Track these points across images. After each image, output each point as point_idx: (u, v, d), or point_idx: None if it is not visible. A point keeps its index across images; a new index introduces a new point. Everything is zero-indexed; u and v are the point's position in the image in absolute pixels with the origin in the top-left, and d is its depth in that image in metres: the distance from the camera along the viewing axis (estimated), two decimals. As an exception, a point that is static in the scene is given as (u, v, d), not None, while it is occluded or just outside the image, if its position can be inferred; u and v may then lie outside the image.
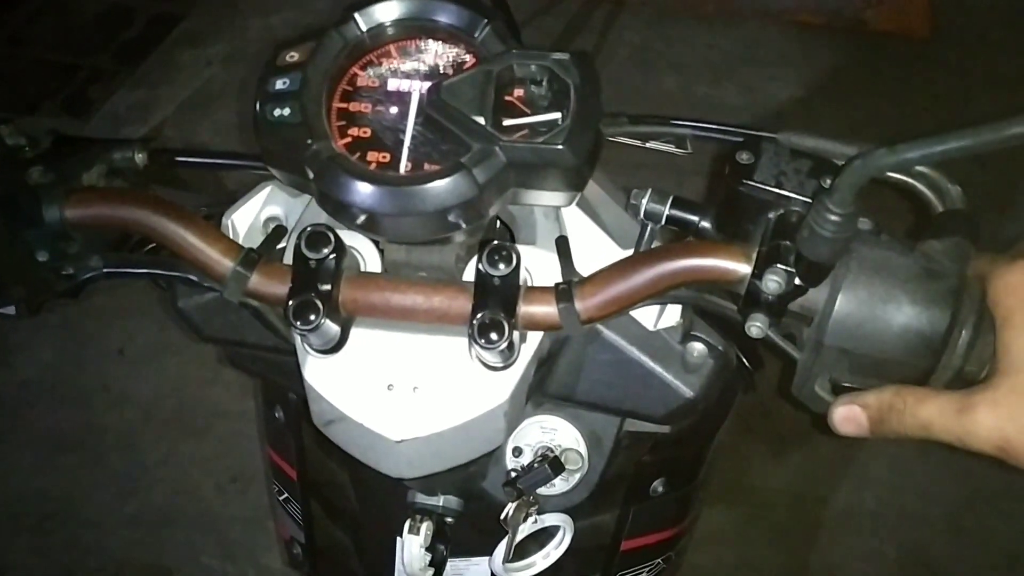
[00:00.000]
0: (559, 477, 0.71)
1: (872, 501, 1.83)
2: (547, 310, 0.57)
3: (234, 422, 1.93)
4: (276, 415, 0.87)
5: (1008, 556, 1.76)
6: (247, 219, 0.68)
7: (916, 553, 1.77)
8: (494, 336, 0.54)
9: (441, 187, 0.53)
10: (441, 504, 0.72)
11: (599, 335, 0.65)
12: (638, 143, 0.69)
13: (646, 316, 0.65)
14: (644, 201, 0.61)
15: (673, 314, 0.65)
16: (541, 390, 0.68)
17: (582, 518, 0.78)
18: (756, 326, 0.54)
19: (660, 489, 0.82)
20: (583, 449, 0.72)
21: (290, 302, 0.55)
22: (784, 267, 0.53)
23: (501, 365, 0.58)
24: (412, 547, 0.70)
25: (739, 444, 1.83)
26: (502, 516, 0.71)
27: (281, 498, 0.94)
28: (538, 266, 0.61)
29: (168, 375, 2.02)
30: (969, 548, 1.77)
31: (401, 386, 0.59)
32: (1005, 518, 1.79)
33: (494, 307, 0.55)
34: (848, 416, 0.54)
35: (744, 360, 0.72)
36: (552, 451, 0.71)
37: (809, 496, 1.85)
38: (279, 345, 0.69)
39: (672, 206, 0.61)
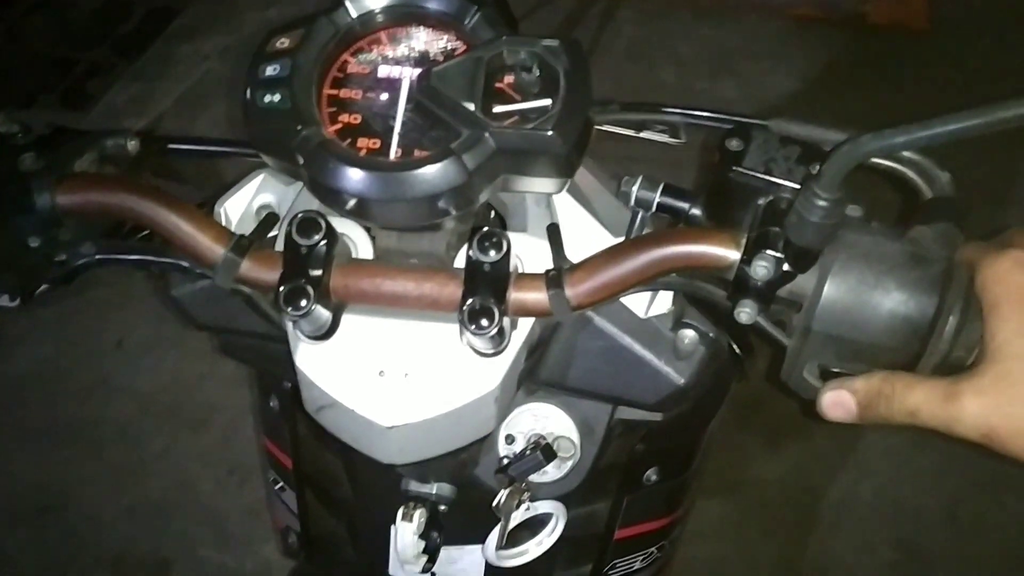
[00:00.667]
0: (551, 464, 0.71)
1: (868, 493, 1.84)
2: (537, 296, 0.57)
3: (232, 415, 1.94)
4: (271, 404, 0.87)
5: (1004, 547, 1.76)
6: (239, 207, 0.68)
7: (912, 544, 1.77)
8: (484, 322, 0.54)
9: (431, 173, 0.53)
10: (434, 492, 0.72)
11: (590, 322, 0.65)
12: (631, 132, 0.69)
13: (637, 303, 0.65)
14: (634, 188, 0.62)
15: (664, 301, 0.65)
16: (533, 377, 0.68)
17: (575, 506, 0.78)
18: (745, 312, 0.54)
19: (653, 478, 0.82)
20: (575, 436, 0.72)
21: (281, 288, 0.55)
22: (773, 253, 0.53)
23: (492, 351, 0.58)
24: (406, 535, 0.70)
25: (734, 436, 1.83)
26: (494, 503, 0.71)
27: (276, 487, 0.94)
28: (529, 253, 0.61)
29: (166, 368, 2.02)
30: (965, 539, 1.77)
31: (392, 372, 0.59)
32: (1001, 509, 1.80)
33: (484, 293, 0.55)
34: (836, 401, 0.54)
35: (735, 347, 0.72)
36: (544, 438, 0.71)
37: (805, 488, 1.85)
38: (271, 332, 0.69)
39: (662, 193, 0.61)
